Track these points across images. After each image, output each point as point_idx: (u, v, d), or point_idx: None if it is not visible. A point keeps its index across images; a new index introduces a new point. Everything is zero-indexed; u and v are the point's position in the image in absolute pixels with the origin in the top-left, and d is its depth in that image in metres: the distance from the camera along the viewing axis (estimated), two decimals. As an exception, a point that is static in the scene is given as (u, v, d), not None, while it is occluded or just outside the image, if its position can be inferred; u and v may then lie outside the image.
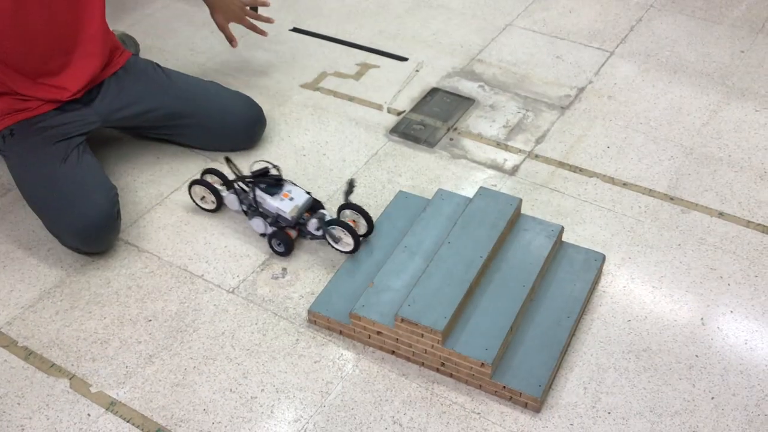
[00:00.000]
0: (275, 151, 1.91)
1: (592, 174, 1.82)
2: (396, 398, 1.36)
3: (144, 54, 2.25)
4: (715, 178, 1.80)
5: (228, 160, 1.67)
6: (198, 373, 1.41)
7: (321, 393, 1.37)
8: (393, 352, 1.44)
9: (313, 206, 1.62)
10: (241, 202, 1.63)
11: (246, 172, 1.64)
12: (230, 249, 1.65)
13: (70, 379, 1.41)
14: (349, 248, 1.55)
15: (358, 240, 1.54)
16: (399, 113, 2.03)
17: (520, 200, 1.59)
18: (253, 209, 1.61)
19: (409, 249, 1.53)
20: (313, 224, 1.57)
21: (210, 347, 1.45)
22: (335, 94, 2.11)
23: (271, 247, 1.61)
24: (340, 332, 1.47)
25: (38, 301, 1.55)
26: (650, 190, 1.77)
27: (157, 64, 1.86)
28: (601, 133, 1.95)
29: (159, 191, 1.80)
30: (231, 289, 1.56)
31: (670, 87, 2.10)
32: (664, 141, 1.92)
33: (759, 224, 1.68)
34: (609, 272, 1.59)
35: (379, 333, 1.42)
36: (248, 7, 2.00)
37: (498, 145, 1.92)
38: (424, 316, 1.36)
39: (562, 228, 1.58)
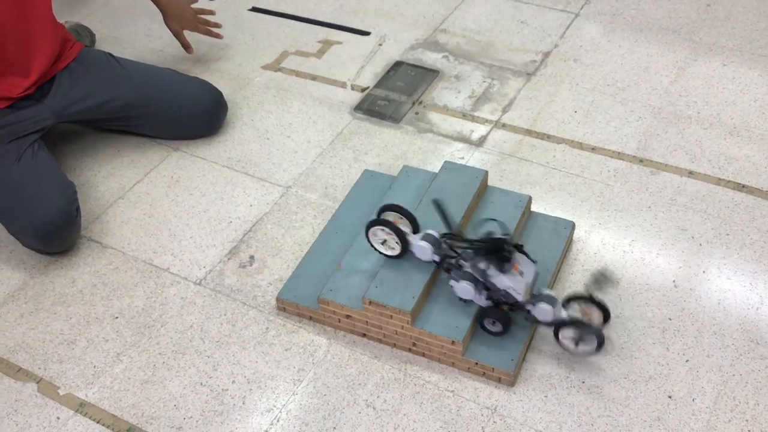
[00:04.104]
0: (238, 136, 1.87)
1: (560, 140, 1.80)
2: (369, 381, 1.35)
3: (100, 44, 2.20)
4: (684, 136, 1.78)
5: (438, 206, 1.34)
6: (167, 368, 1.39)
7: (293, 381, 1.36)
8: (364, 335, 1.42)
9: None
10: (437, 254, 1.35)
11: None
12: (196, 240, 1.62)
13: (38, 382, 1.38)
14: (593, 348, 1.30)
15: (603, 342, 1.28)
16: (363, 90, 1.99)
17: (486, 172, 1.57)
18: (465, 274, 1.32)
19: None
20: (542, 312, 1.29)
21: (179, 341, 1.43)
22: (297, 73, 2.07)
23: (482, 324, 1.36)
24: (310, 318, 1.45)
25: (2, 305, 1.52)
26: (619, 153, 1.75)
27: (111, 54, 1.82)
28: (568, 98, 1.92)
29: (121, 184, 1.77)
30: (198, 281, 1.54)
31: (637, 46, 2.07)
32: (631, 102, 1.89)
33: (729, 181, 1.66)
34: (579, 239, 1.57)
35: (348, 317, 1.40)
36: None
37: (464, 116, 1.89)
38: (392, 297, 1.34)
39: (530, 198, 1.56)
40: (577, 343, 1.31)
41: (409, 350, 1.39)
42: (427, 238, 1.35)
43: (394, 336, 1.38)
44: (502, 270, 1.28)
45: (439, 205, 1.34)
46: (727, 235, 1.55)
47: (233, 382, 1.36)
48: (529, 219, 1.57)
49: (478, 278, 1.30)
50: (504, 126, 1.85)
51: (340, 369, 1.37)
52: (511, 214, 1.52)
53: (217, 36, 2.05)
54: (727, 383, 1.31)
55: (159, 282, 1.54)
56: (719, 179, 1.66)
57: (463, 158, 1.77)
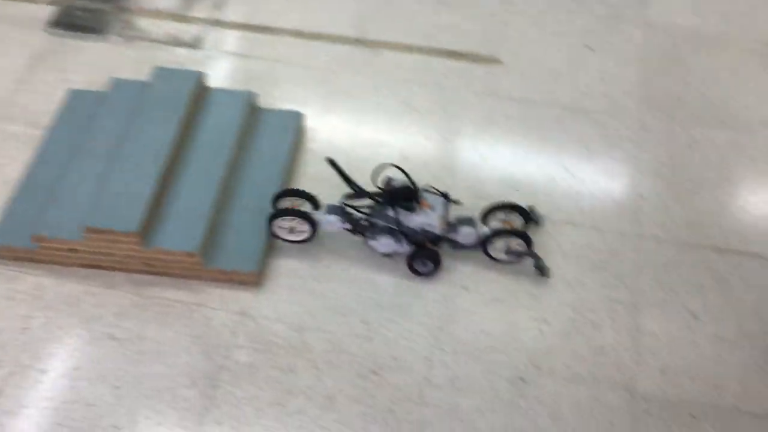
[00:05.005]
0: None
1: (280, 31, 1.74)
2: (107, 313, 1.26)
3: None
4: (399, 12, 1.79)
5: (334, 164, 1.27)
6: None
7: (21, 330, 1.23)
8: (95, 266, 1.31)
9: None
10: (348, 221, 1.28)
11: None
12: None
13: None
14: (519, 259, 1.31)
15: (531, 243, 1.28)
16: (56, 2, 1.78)
17: (202, 74, 1.48)
18: (380, 229, 1.27)
19: (91, 152, 1.37)
20: (466, 235, 1.28)
21: None
22: (-23, -8, 1.81)
23: (413, 269, 1.30)
24: (31, 260, 1.31)
25: None
26: (339, 37, 1.73)
27: None
28: (283, -13, 1.85)
29: None
30: None
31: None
32: (345, -16, 1.87)
33: (442, 50, 1.70)
34: (311, 128, 1.55)
35: (72, 250, 1.28)
36: None
37: (176, 18, 1.77)
38: (115, 220, 1.24)
39: (255, 94, 1.51)
40: (507, 252, 1.32)
41: (147, 272, 1.31)
42: (333, 210, 1.30)
43: (126, 261, 1.29)
44: (413, 210, 1.27)
45: (335, 164, 1.28)
46: (447, 101, 1.60)
47: (-50, 346, 1.22)
48: (257, 116, 1.51)
49: (393, 228, 1.28)
50: (220, 23, 1.76)
51: (73, 307, 1.27)
52: (234, 114, 1.46)
53: None
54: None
55: None
56: (433, 49, 1.71)
57: (181, 63, 1.66)
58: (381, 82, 1.64)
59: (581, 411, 1.19)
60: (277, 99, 1.60)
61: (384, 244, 1.31)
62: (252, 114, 1.50)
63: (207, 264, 1.29)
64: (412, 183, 1.28)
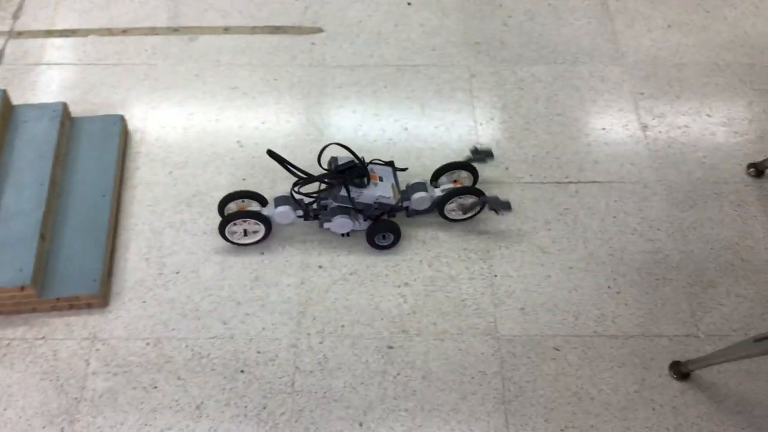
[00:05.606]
0: None
1: (86, 32, 1.63)
2: (-60, 368, 1.16)
3: None
4: (212, -7, 1.73)
5: (275, 156, 1.22)
6: None
7: None
8: None
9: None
10: (298, 208, 1.27)
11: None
12: None
13: None
14: (475, 211, 1.32)
15: (485, 198, 1.29)
16: None
17: (4, 91, 1.37)
18: (334, 210, 1.26)
19: None
20: (420, 201, 1.28)
21: None
22: None
23: (374, 243, 1.28)
24: None
25: None
26: (152, 28, 1.65)
27: None
28: (82, -16, 1.74)
29: None
30: None
31: None
32: (150, -29, 1.77)
33: (264, 26, 1.65)
34: (137, 129, 1.47)
35: None
36: None
37: (-31, 34, 1.63)
38: (-73, 267, 1.14)
39: (65, 104, 1.41)
40: (465, 211, 1.33)
41: (-22, 315, 1.22)
42: (282, 201, 1.26)
43: (-49, 308, 1.19)
44: (364, 185, 1.25)
45: (275, 155, 1.23)
46: (275, 80, 1.56)
47: None
48: (72, 127, 1.42)
49: (348, 206, 1.27)
50: (20, 34, 1.63)
51: None
52: (47, 129, 1.36)
53: None
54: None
55: None
56: (253, 27, 1.65)
57: (-18, 83, 1.53)
58: (204, 70, 1.57)
59: (451, 365, 1.20)
60: (95, 105, 1.50)
61: (340, 224, 1.29)
62: (67, 126, 1.41)
63: (43, 294, 1.21)
64: (358, 158, 1.26)
